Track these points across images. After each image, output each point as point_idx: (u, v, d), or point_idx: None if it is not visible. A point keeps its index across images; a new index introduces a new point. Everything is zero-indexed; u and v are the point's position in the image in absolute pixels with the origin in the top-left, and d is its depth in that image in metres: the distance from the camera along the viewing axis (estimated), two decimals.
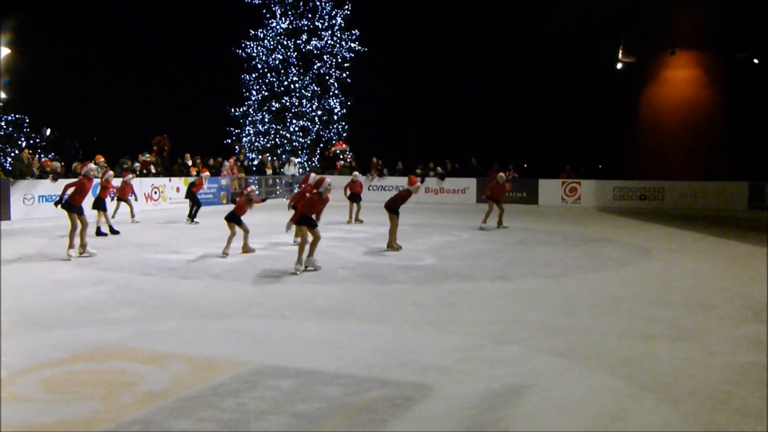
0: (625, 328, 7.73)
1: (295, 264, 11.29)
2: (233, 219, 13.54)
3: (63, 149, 38.84)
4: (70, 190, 13.12)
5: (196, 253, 13.61)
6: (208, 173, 23.22)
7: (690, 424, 4.95)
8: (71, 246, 12.84)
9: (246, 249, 13.66)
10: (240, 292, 9.72)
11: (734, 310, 8.70)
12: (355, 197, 20.37)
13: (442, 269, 11.84)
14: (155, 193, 24.24)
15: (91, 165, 14.22)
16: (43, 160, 24.56)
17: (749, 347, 6.96)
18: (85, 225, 12.98)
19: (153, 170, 24.94)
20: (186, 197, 21.14)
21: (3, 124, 42.19)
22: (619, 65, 35.21)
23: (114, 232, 16.61)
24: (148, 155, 25.39)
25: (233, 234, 13.40)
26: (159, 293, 9.63)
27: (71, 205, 12.89)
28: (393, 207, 14.40)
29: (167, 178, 25.01)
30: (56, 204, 13.17)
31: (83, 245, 13.01)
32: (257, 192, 14.33)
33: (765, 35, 30.58)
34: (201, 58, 44.44)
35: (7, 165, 34.78)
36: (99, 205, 16.41)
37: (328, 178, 12.34)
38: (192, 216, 20.15)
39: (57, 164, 22.29)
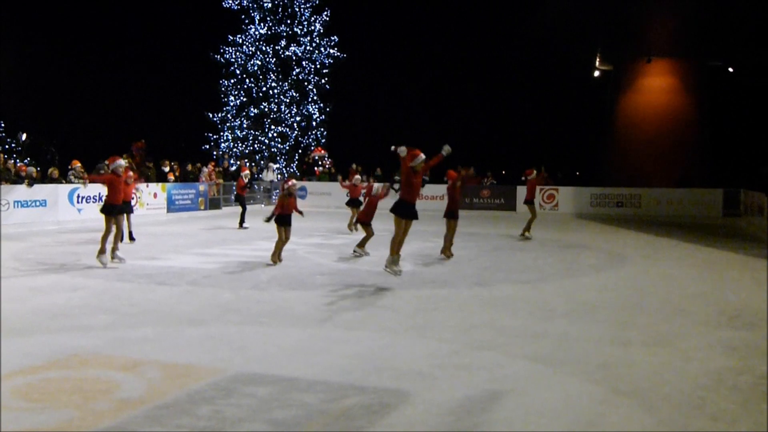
0: (601, 333, 7.77)
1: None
2: (284, 222, 12.77)
3: (39, 154, 38.43)
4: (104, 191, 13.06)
5: (172, 260, 13.52)
6: (248, 171, 22.70)
7: (666, 429, 4.98)
8: (103, 251, 12.43)
9: (276, 258, 12.93)
10: (217, 299, 9.66)
11: (709, 316, 8.77)
12: (355, 202, 19.72)
13: (419, 275, 11.85)
14: (132, 198, 24.02)
15: (120, 161, 13.54)
16: (18, 165, 24.28)
17: (724, 353, 7.02)
18: (119, 227, 13.05)
19: (132, 176, 24.71)
20: (235, 201, 20.72)
21: None
22: (596, 73, 35.47)
23: (132, 238, 16.29)
24: (126, 161, 25.14)
25: (284, 240, 12.86)
26: (135, 300, 9.55)
27: (111, 207, 12.66)
28: (454, 212, 14.28)
29: (144, 184, 24.81)
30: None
31: (114, 249, 12.77)
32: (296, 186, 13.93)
33: (739, 44, 30.95)
34: (179, 63, 44.25)
35: None
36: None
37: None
38: (241, 222, 20.04)
39: (32, 169, 22.04)
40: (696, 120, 31.89)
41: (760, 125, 39.18)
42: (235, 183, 29.86)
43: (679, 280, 11.66)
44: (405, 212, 10.77)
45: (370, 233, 14.07)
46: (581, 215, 27.37)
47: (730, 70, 33.55)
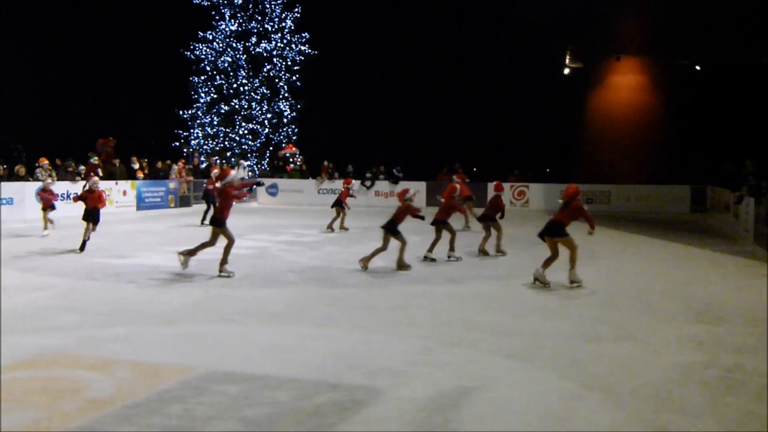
0: (571, 329, 7.84)
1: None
2: (391, 230, 12.03)
3: (6, 152, 37.86)
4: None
5: (143, 258, 13.40)
6: (217, 170, 22.43)
7: (634, 423, 5.04)
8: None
9: (402, 265, 12.14)
10: (188, 297, 9.59)
11: (677, 311, 8.88)
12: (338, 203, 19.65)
13: (392, 272, 11.86)
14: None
15: (96, 178, 14.74)
16: None
17: (691, 347, 7.11)
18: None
19: (100, 173, 24.48)
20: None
21: None
22: (567, 71, 35.65)
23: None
24: (94, 158, 24.89)
25: (384, 249, 12.04)
26: (105, 299, 9.46)
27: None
28: (491, 216, 14.41)
29: (114, 182, 24.58)
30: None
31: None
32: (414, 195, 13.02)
33: (707, 43, 31.30)
34: (149, 59, 43.70)
35: None
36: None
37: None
38: (203, 219, 20.03)
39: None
40: (664, 117, 32.19)
41: (727, 123, 39.75)
42: (205, 180, 29.78)
43: (648, 276, 11.81)
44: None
45: (453, 232, 13.53)
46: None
47: (698, 68, 33.94)
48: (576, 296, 9.90)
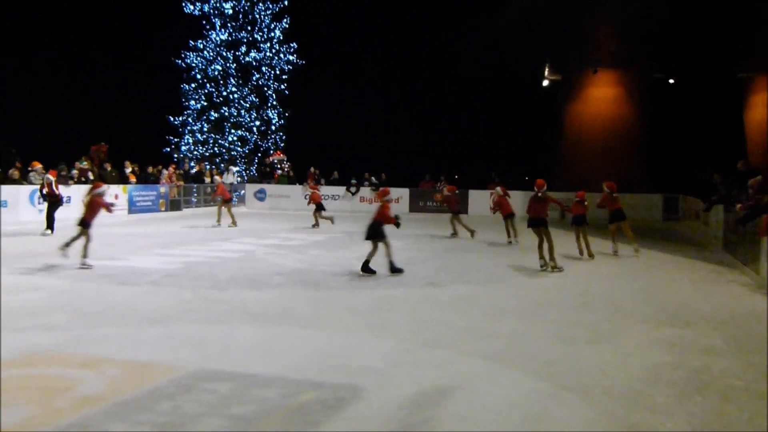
0: (548, 332, 7.90)
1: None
2: (375, 235, 11.90)
3: (1, 156, 37.56)
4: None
5: (133, 260, 13.36)
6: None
7: (606, 422, 5.10)
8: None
9: (366, 268, 11.98)
10: (177, 298, 9.58)
11: (649, 315, 8.97)
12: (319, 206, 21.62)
13: (375, 276, 11.87)
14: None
15: (104, 187, 13.77)
16: None
17: (662, 349, 7.19)
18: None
19: (91, 177, 24.38)
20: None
21: None
22: (546, 83, 35.82)
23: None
24: (85, 162, 24.78)
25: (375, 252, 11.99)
26: (96, 299, 9.43)
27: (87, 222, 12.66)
28: (540, 221, 13.04)
29: (106, 185, 24.44)
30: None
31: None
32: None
33: (680, 58, 31.56)
34: (141, 67, 43.58)
35: None
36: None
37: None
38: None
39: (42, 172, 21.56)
40: (639, 129, 32.38)
41: (698, 134, 40.15)
42: (195, 185, 29.68)
43: (622, 281, 11.89)
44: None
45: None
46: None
47: (671, 81, 34.24)
48: (551, 300, 9.96)
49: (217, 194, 22.57)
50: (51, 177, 18.12)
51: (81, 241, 12.35)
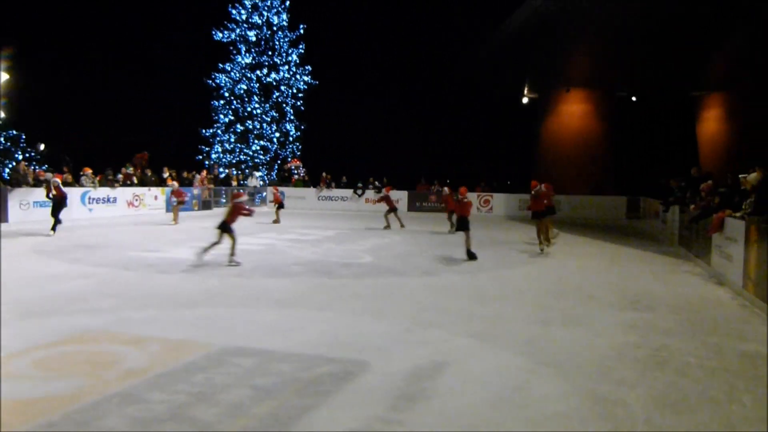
0: (527, 314, 7.88)
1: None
2: (224, 228, 11.58)
3: (55, 161, 37.59)
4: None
5: (171, 252, 13.36)
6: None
7: (578, 393, 5.09)
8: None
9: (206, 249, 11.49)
10: (207, 285, 9.58)
11: (614, 300, 8.95)
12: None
13: (378, 266, 11.87)
14: (136, 200, 23.76)
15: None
16: (37, 171, 23.72)
17: (626, 330, 7.17)
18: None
19: (135, 181, 24.42)
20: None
21: (2, 139, 40.74)
22: (525, 100, 35.74)
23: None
24: (130, 168, 24.81)
25: (218, 243, 11.48)
26: (138, 286, 9.43)
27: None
28: (537, 213, 14.66)
29: (147, 188, 24.51)
30: None
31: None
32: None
33: (642, 78, 31.48)
34: (178, 86, 43.73)
35: (6, 175, 33.60)
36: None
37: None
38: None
39: (50, 175, 21.53)
40: (606, 140, 32.28)
41: (657, 145, 40.13)
42: (224, 188, 29.68)
43: (591, 271, 11.86)
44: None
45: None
46: (512, 217, 27.65)
47: (634, 99, 34.17)
48: (530, 287, 9.94)
49: (275, 202, 23.26)
50: (57, 180, 17.41)
51: (227, 242, 11.54)
